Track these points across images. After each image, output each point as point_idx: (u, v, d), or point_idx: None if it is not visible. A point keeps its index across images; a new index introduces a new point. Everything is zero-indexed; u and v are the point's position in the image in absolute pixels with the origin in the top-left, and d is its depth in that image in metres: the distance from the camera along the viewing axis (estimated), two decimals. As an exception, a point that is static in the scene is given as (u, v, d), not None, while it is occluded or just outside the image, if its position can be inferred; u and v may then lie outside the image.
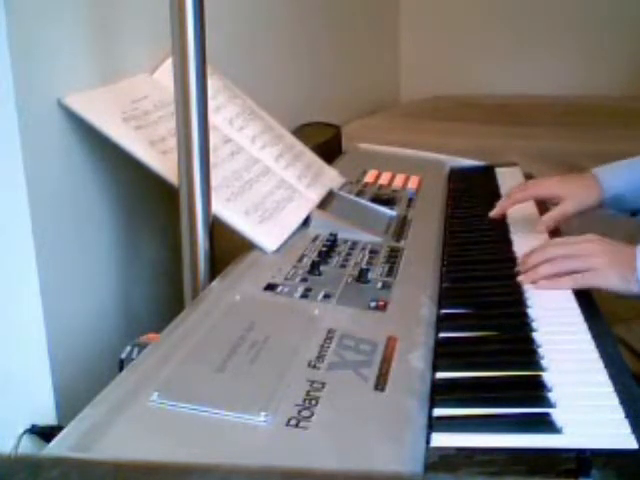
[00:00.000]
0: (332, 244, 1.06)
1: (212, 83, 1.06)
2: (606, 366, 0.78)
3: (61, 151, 0.99)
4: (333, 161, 1.58)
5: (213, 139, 0.99)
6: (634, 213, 1.27)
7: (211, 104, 0.98)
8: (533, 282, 0.99)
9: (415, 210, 1.31)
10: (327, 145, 1.71)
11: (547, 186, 1.25)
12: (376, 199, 1.34)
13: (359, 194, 1.37)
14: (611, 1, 3.02)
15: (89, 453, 0.57)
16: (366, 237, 1.11)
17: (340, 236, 1.09)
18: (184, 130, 0.93)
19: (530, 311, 0.92)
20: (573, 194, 1.20)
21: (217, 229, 0.99)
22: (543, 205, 1.33)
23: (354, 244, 1.08)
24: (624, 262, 0.96)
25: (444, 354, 0.81)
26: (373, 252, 1.06)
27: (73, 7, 1.00)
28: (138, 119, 1.06)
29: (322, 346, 0.76)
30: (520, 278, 1.01)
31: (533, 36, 3.10)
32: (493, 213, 1.26)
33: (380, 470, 0.58)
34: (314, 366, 0.72)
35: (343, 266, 1.00)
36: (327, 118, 1.95)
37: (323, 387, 0.68)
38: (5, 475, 0.37)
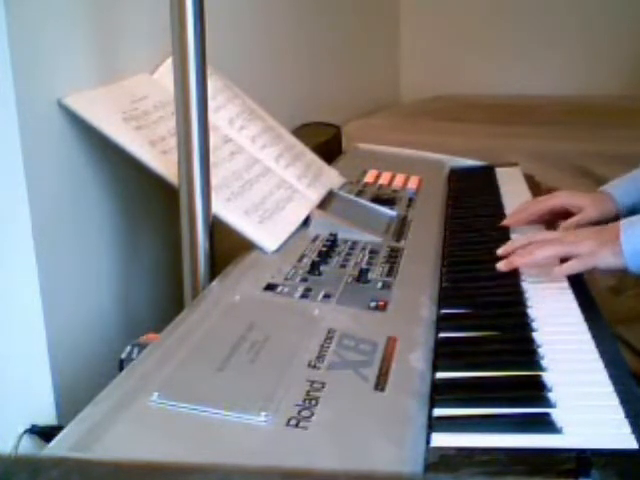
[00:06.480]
0: (332, 244, 1.06)
1: (212, 83, 1.06)
2: (606, 366, 0.78)
3: (61, 151, 0.99)
4: (333, 161, 1.58)
5: (213, 139, 0.99)
6: None
7: (211, 104, 0.98)
8: (526, 265, 1.01)
9: (415, 210, 1.31)
10: (327, 145, 1.71)
11: (566, 196, 1.24)
12: (376, 199, 1.34)
13: (359, 194, 1.37)
14: (611, 1, 3.02)
15: (89, 453, 0.57)
16: (366, 237, 1.11)
17: (340, 236, 1.09)
18: (184, 130, 0.93)
19: (530, 311, 0.92)
20: (594, 204, 1.21)
21: (217, 229, 0.99)
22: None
23: (354, 244, 1.08)
24: (611, 239, 0.99)
25: (444, 354, 0.81)
26: (373, 252, 1.06)
27: (73, 7, 1.00)
28: (138, 119, 1.06)
29: (322, 346, 0.76)
30: (515, 259, 1.02)
31: (533, 36, 3.09)
32: (506, 222, 1.23)
33: (380, 470, 0.58)
34: (314, 366, 0.72)
35: (343, 266, 1.00)
36: (327, 118, 1.95)
37: (323, 387, 0.68)
38: (5, 475, 0.37)
